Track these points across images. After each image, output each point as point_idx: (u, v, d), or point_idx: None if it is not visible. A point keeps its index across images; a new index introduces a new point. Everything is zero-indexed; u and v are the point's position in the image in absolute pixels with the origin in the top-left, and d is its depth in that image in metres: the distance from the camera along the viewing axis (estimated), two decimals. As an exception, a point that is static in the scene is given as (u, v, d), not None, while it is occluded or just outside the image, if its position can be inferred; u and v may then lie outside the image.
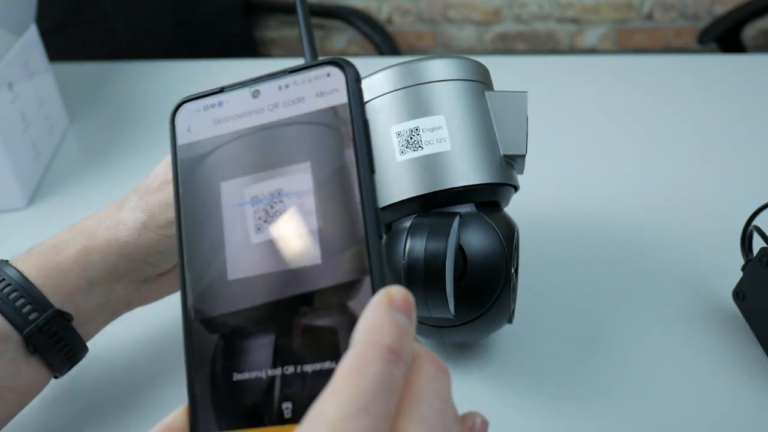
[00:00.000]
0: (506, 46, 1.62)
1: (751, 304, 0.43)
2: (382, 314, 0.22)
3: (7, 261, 0.38)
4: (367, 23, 1.46)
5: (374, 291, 0.24)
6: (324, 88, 0.26)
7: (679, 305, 0.46)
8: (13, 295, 0.36)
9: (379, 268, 0.24)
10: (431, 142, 0.38)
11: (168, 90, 0.78)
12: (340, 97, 0.26)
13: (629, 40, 1.63)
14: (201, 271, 0.26)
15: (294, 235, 0.25)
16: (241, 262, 0.25)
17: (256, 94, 0.27)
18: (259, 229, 0.26)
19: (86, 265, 0.38)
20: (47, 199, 0.61)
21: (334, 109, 0.26)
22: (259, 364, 0.24)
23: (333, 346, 0.24)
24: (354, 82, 0.26)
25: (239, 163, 0.26)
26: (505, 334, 0.45)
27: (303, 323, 0.24)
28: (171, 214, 0.39)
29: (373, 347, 0.21)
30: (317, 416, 0.20)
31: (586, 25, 1.61)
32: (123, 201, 0.41)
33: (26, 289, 0.36)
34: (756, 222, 0.43)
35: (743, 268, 0.43)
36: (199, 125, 0.27)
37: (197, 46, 1.39)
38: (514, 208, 0.54)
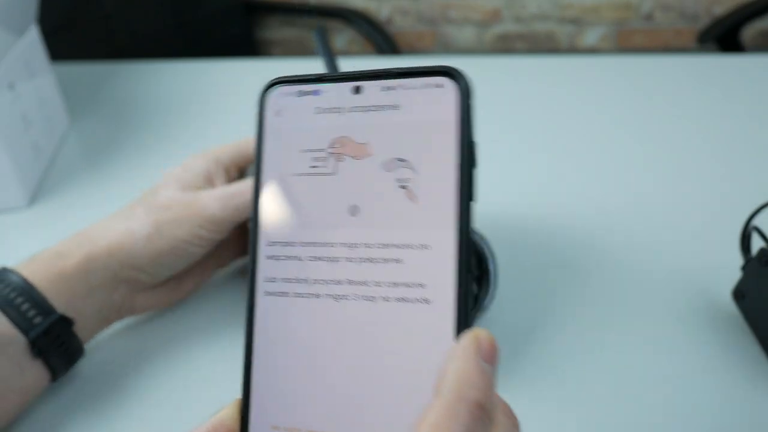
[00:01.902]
0: (506, 47, 1.62)
1: (751, 304, 0.43)
2: (471, 363, 0.21)
3: (8, 268, 0.39)
4: (367, 23, 1.46)
5: (458, 327, 0.22)
6: (432, 99, 0.24)
7: (679, 305, 0.46)
8: (18, 299, 0.37)
9: (464, 305, 0.22)
10: None
11: (168, 90, 0.78)
12: (448, 113, 0.23)
13: (629, 41, 1.63)
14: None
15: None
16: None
17: (357, 90, 0.25)
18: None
19: (89, 271, 0.39)
20: (48, 199, 0.61)
21: (439, 125, 0.23)
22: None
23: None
24: (466, 98, 0.23)
25: (329, 162, 0.24)
26: (504, 334, 0.45)
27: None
28: (179, 231, 0.41)
29: (462, 402, 0.20)
30: None
31: (585, 25, 1.62)
32: (130, 213, 0.42)
33: (30, 294, 0.37)
34: (756, 222, 0.43)
35: (743, 268, 0.43)
36: (291, 110, 0.25)
37: (197, 46, 1.39)
38: (515, 207, 0.54)
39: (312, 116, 0.25)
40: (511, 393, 0.41)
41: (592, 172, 0.59)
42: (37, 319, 0.37)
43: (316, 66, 0.80)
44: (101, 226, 0.41)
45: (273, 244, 0.24)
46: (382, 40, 1.43)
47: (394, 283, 0.23)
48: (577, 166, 0.60)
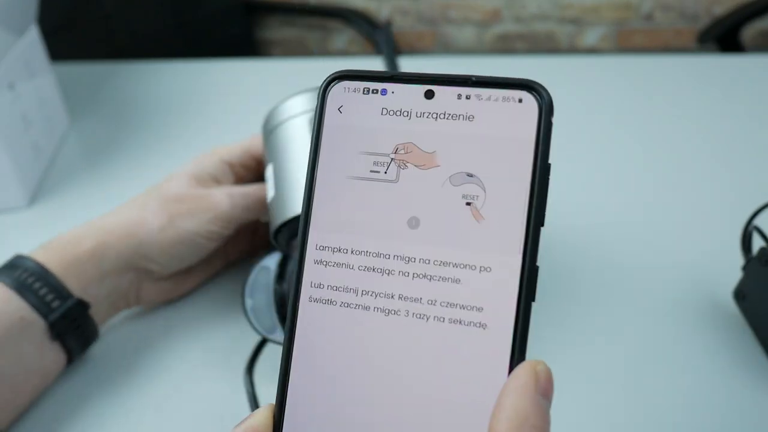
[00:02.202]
0: (506, 47, 1.62)
1: (751, 304, 0.43)
2: (530, 399, 0.20)
3: (22, 255, 0.40)
4: (368, 23, 1.46)
5: (514, 357, 0.21)
6: (510, 114, 0.22)
7: (679, 305, 0.46)
8: (36, 284, 0.38)
9: (523, 335, 0.21)
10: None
11: (168, 90, 0.78)
12: (526, 130, 0.22)
13: (629, 41, 1.63)
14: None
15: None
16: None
17: (429, 95, 0.23)
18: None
19: (102, 257, 0.40)
20: (48, 199, 0.61)
21: (515, 142, 0.22)
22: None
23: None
24: (548, 117, 0.22)
25: (391, 169, 0.23)
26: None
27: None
28: (190, 224, 0.42)
29: None
30: None
31: (585, 25, 1.62)
32: (143, 203, 0.43)
33: (46, 278, 0.38)
34: (756, 222, 0.43)
35: (743, 268, 0.43)
36: (354, 108, 0.23)
37: (197, 46, 1.39)
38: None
39: (377, 117, 0.23)
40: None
41: (592, 172, 0.59)
42: (55, 303, 0.38)
43: (315, 66, 0.80)
44: (114, 215, 0.42)
45: (323, 248, 0.23)
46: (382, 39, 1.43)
47: (450, 304, 0.22)
48: (577, 166, 0.60)
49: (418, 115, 0.23)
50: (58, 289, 0.38)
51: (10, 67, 0.60)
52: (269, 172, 0.42)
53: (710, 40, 1.33)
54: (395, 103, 0.23)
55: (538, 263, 0.21)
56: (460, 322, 0.22)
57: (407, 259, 0.22)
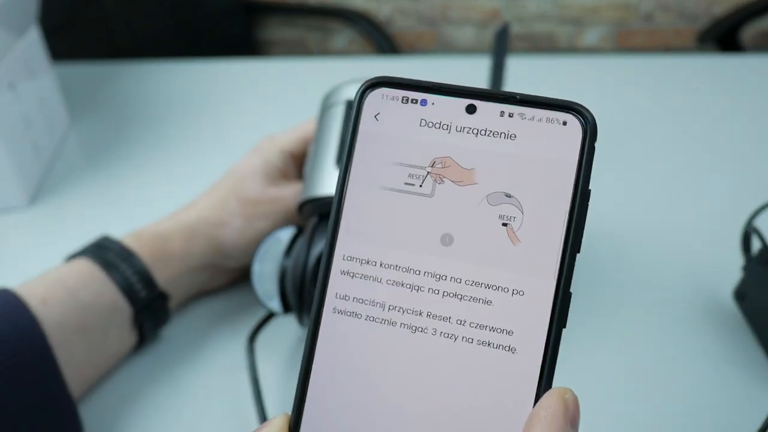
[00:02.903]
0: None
1: (751, 304, 0.43)
2: (559, 429, 0.20)
3: (109, 237, 0.43)
4: (368, 23, 1.46)
5: (543, 383, 0.21)
6: (554, 135, 0.22)
7: (679, 305, 0.46)
8: (125, 267, 0.41)
9: (553, 361, 0.21)
10: None
11: (168, 90, 0.78)
12: (569, 154, 0.22)
13: (629, 41, 1.63)
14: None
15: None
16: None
17: (471, 109, 0.22)
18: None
19: (189, 255, 0.44)
20: (48, 199, 0.61)
21: (556, 165, 0.22)
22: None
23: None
24: (591, 141, 0.22)
25: (427, 183, 0.22)
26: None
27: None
28: (265, 225, 0.45)
29: None
30: None
31: (585, 25, 1.62)
32: (224, 203, 0.45)
33: (136, 265, 0.41)
34: (756, 222, 0.43)
35: (743, 268, 0.43)
36: (392, 117, 0.23)
37: (197, 46, 1.39)
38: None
39: (415, 128, 0.22)
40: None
41: (592, 173, 0.59)
42: (142, 293, 0.41)
43: (315, 66, 0.80)
44: (197, 212, 0.45)
45: (350, 259, 0.22)
46: (382, 40, 1.43)
47: (480, 325, 0.21)
48: (577, 166, 0.60)
49: (459, 129, 0.22)
50: (146, 279, 0.41)
51: (10, 67, 0.60)
52: (311, 147, 0.45)
53: (710, 40, 1.33)
54: (435, 115, 0.22)
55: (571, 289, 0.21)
56: (489, 345, 0.21)
57: (438, 276, 0.22)
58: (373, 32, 1.45)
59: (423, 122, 0.22)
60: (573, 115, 0.22)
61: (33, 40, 0.66)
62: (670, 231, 0.52)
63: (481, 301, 0.21)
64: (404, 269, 0.22)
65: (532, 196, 0.22)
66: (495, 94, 0.22)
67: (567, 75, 0.76)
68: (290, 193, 0.46)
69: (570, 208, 0.22)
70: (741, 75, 0.73)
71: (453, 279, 0.22)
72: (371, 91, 0.23)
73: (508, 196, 0.22)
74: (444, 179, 0.22)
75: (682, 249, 0.50)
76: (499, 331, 0.21)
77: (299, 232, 0.43)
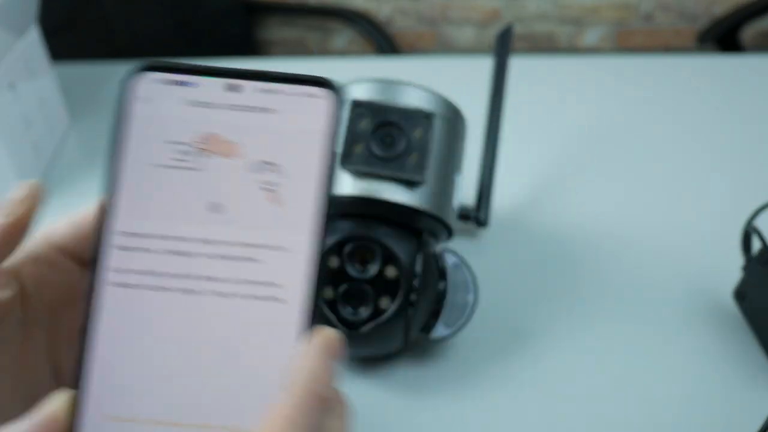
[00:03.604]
0: (506, 47, 1.61)
1: (751, 304, 0.43)
2: (321, 361, 0.23)
3: None
4: (368, 23, 1.46)
5: (306, 326, 0.23)
6: (307, 108, 0.24)
7: (679, 305, 0.46)
8: None
9: (313, 306, 0.24)
10: None
11: (168, 90, 0.78)
12: (321, 123, 0.24)
13: (629, 41, 1.63)
14: None
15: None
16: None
17: (233, 88, 0.25)
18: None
19: None
20: (48, 199, 0.61)
21: (311, 134, 0.24)
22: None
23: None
24: (339, 111, 0.24)
25: (195, 157, 0.24)
26: (503, 334, 0.45)
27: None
28: None
29: (310, 397, 0.22)
30: None
31: (585, 25, 1.62)
32: None
33: None
34: (756, 222, 0.43)
35: (743, 268, 0.43)
36: (159, 98, 0.24)
37: (197, 46, 1.39)
38: (514, 208, 0.54)
39: (182, 108, 0.24)
40: (515, 391, 0.41)
41: (592, 173, 0.59)
42: None
43: (315, 66, 0.80)
44: None
45: (124, 234, 0.24)
46: (382, 40, 1.43)
47: (249, 281, 0.24)
48: (576, 167, 0.60)
49: (222, 107, 0.24)
50: None
51: (10, 67, 0.60)
52: None
53: (710, 40, 1.33)
54: (199, 95, 0.24)
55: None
56: (258, 298, 0.24)
57: (208, 241, 0.24)
58: (373, 32, 1.45)
59: (189, 102, 0.24)
60: (324, 88, 0.24)
61: (33, 40, 0.66)
62: (670, 231, 0.52)
63: (248, 260, 0.24)
64: (177, 238, 0.24)
65: (292, 163, 0.24)
66: (253, 73, 0.24)
67: (567, 75, 0.76)
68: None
69: (323, 172, 0.24)
70: (741, 75, 0.73)
71: (223, 243, 0.24)
72: (138, 75, 0.24)
73: (269, 164, 0.24)
74: (210, 153, 0.24)
75: (682, 249, 0.50)
76: (267, 284, 0.24)
77: None
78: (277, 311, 0.23)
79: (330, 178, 0.24)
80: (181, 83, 0.24)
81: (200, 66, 0.25)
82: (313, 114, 0.24)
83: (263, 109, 0.24)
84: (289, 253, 0.24)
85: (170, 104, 0.24)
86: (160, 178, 0.24)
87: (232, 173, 0.24)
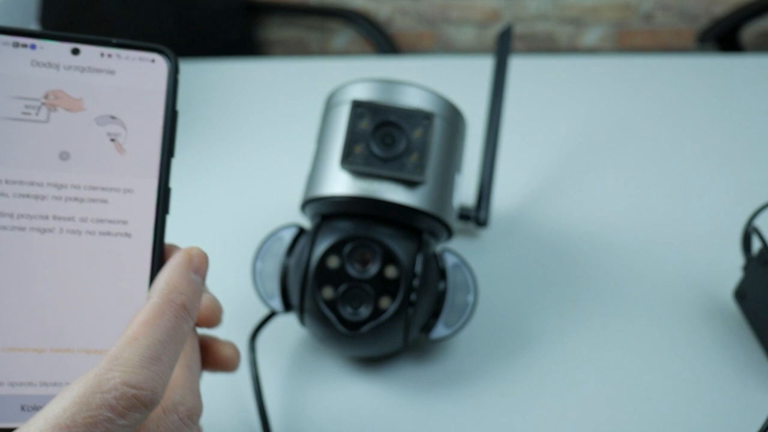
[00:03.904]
0: (506, 47, 1.61)
1: (751, 304, 0.43)
2: (179, 272, 0.25)
3: None
4: (368, 23, 1.46)
5: (154, 256, 0.27)
6: (146, 71, 0.28)
7: (679, 305, 0.46)
8: None
9: (161, 238, 0.27)
10: None
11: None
12: (158, 84, 0.28)
13: (629, 41, 1.63)
14: None
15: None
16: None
17: (75, 52, 0.28)
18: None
19: None
20: None
21: (150, 93, 0.28)
22: None
23: None
24: (174, 74, 0.28)
25: (42, 111, 0.27)
26: (503, 334, 0.45)
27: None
28: None
29: (169, 304, 0.24)
30: (115, 359, 0.22)
31: (585, 25, 1.62)
32: None
33: None
34: (756, 222, 0.43)
35: (743, 268, 0.43)
36: (6, 59, 0.27)
37: (197, 46, 1.39)
38: (514, 208, 0.54)
39: (27, 67, 0.27)
40: (515, 391, 0.41)
41: (593, 173, 0.59)
42: None
43: (316, 66, 0.80)
44: None
45: None
46: (382, 40, 1.43)
47: (100, 220, 0.27)
48: (577, 167, 0.60)
49: (66, 67, 0.27)
50: None
51: (10, 67, 0.60)
52: (315, 146, 0.46)
53: (710, 40, 1.33)
54: (44, 57, 0.27)
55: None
56: (109, 234, 0.27)
57: (59, 185, 0.27)
58: (373, 32, 1.45)
59: (34, 62, 0.27)
60: (159, 54, 0.28)
61: (33, 40, 0.66)
62: (670, 231, 0.52)
63: (98, 201, 0.27)
64: (28, 183, 0.27)
65: (133, 117, 0.28)
66: (95, 39, 0.28)
67: (567, 75, 0.76)
68: None
69: (164, 125, 0.28)
70: (741, 75, 0.73)
71: (73, 186, 0.27)
72: None
73: (113, 117, 0.28)
74: (57, 108, 0.27)
75: (682, 249, 0.51)
76: (116, 222, 0.27)
77: (301, 231, 0.43)
78: (128, 245, 0.27)
79: (171, 131, 0.28)
80: (26, 45, 0.27)
81: (41, 31, 0.28)
82: (150, 76, 0.28)
83: (105, 71, 0.28)
84: (137, 195, 0.28)
85: (16, 64, 0.27)
86: (10, 130, 0.27)
87: (80, 126, 0.27)
